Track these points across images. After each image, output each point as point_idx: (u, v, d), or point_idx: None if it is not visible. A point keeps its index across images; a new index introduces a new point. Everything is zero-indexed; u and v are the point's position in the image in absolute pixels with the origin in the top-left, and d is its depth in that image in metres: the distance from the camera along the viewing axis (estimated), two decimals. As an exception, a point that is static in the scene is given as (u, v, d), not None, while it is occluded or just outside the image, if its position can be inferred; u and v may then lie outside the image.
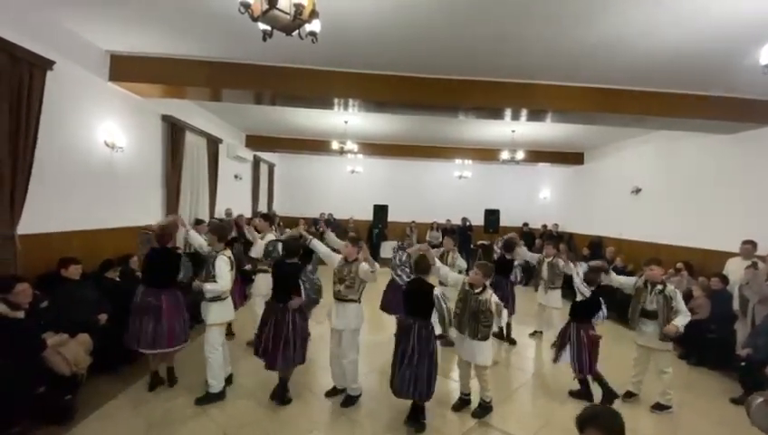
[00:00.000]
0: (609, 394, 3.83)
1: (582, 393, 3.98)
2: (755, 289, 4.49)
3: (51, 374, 3.08)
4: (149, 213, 5.92)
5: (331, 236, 4.58)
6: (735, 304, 4.84)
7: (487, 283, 3.58)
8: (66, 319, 3.48)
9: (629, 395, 4.02)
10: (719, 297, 5.18)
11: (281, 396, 3.63)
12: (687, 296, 5.08)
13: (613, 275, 4.10)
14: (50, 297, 3.60)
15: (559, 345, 4.08)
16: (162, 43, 4.59)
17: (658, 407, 3.84)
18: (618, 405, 3.87)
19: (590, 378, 3.92)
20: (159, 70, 4.98)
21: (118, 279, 4.57)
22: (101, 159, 4.92)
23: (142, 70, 4.98)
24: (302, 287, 3.64)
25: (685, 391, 4.27)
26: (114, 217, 5.16)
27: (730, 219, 6.11)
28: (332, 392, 3.83)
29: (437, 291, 3.25)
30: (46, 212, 4.10)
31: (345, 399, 3.71)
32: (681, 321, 3.60)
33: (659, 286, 3.74)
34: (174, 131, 6.37)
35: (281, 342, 3.43)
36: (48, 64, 3.87)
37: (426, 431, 3.34)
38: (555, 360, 4.07)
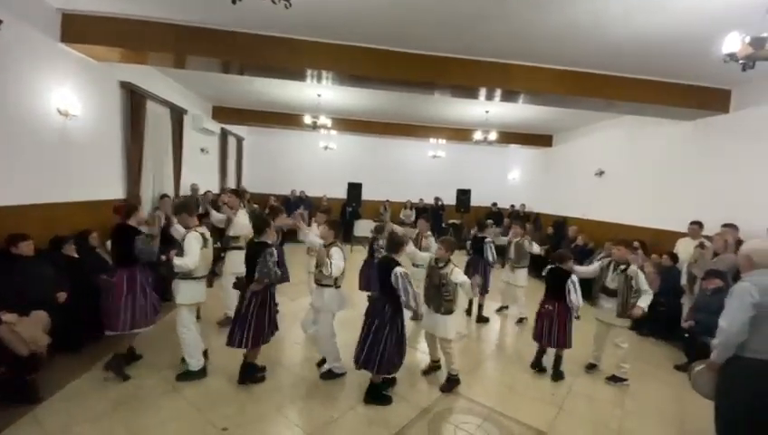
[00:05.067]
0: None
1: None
2: (702, 267, 4.86)
3: (9, 354, 2.93)
4: (108, 186, 5.61)
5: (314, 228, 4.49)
6: (683, 280, 5.23)
7: (451, 257, 3.65)
8: (22, 297, 3.29)
9: (591, 367, 4.29)
10: (669, 274, 5.59)
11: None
12: (641, 272, 5.44)
13: (577, 267, 4.12)
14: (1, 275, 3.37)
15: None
16: (119, 1, 4.23)
17: (614, 379, 4.04)
18: (579, 375, 4.16)
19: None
20: (117, 31, 4.60)
21: (76, 256, 4.35)
22: (54, 127, 4.56)
23: (97, 31, 4.58)
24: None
25: (635, 359, 4.60)
26: (70, 191, 4.84)
27: (682, 202, 6.50)
28: (321, 362, 3.91)
29: (399, 270, 3.23)
30: (-7, 184, 3.80)
31: (325, 372, 3.75)
32: (644, 301, 3.74)
33: (622, 266, 3.87)
34: (134, 100, 5.97)
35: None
36: (-10, 21, 3.50)
37: (394, 400, 3.45)
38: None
